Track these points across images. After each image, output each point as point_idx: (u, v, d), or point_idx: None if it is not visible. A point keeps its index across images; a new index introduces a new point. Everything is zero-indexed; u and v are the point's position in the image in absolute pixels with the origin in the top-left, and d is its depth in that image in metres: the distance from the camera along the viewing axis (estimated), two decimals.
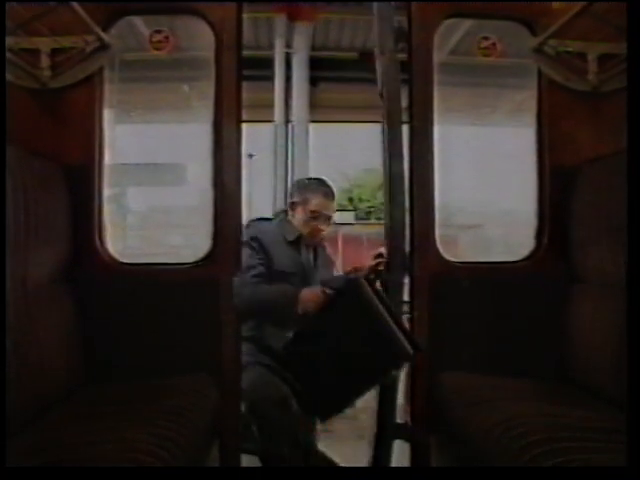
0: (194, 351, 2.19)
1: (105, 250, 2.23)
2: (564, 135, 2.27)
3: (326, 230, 2.66)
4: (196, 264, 2.28)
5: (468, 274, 2.28)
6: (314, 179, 2.78)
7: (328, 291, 2.24)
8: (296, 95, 4.26)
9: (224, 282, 2.20)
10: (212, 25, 2.25)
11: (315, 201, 2.58)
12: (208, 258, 2.25)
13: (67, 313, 2.07)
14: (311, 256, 2.68)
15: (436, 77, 2.27)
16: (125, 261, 2.29)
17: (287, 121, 4.63)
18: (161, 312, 2.20)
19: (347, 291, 2.16)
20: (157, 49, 2.35)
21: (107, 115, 2.32)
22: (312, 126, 4.71)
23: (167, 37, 2.34)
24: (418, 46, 2.21)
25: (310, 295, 2.28)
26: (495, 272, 2.35)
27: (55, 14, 1.95)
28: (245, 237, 2.41)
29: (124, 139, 3.70)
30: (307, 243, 2.64)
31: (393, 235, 2.16)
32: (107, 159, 2.30)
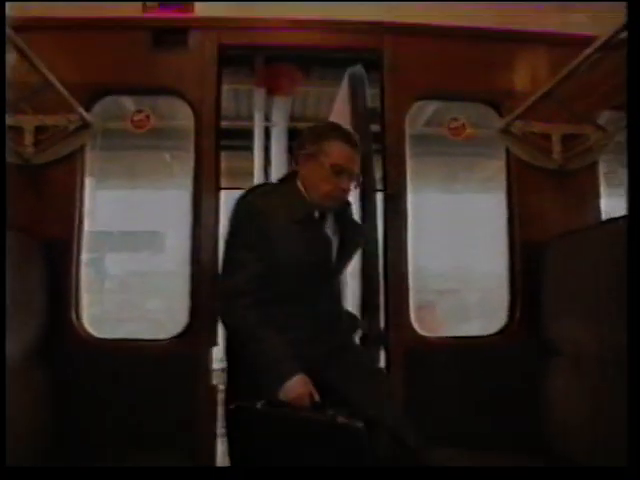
0: (169, 427, 2.16)
1: (81, 325, 2.23)
2: (533, 210, 2.36)
3: (351, 192, 1.92)
4: (173, 339, 2.28)
5: (442, 348, 2.30)
6: (331, 123, 2.09)
7: (317, 398, 1.68)
8: (275, 164, 4.38)
9: (201, 357, 2.21)
10: (192, 105, 2.35)
11: (336, 150, 1.84)
12: (185, 333, 2.26)
13: (41, 389, 2.05)
14: (335, 228, 1.94)
15: (410, 149, 2.37)
16: (100, 336, 2.28)
17: None
18: (137, 387, 2.18)
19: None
20: (138, 127, 2.41)
21: (88, 183, 2.37)
22: None
23: (148, 116, 2.41)
24: (390, 125, 2.31)
25: (295, 392, 1.66)
26: (469, 346, 2.37)
27: (40, 94, 2.02)
28: (237, 216, 1.83)
29: (104, 206, 3.73)
30: (327, 209, 1.90)
31: (369, 314, 2.19)
32: (87, 226, 2.33)
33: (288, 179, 1.94)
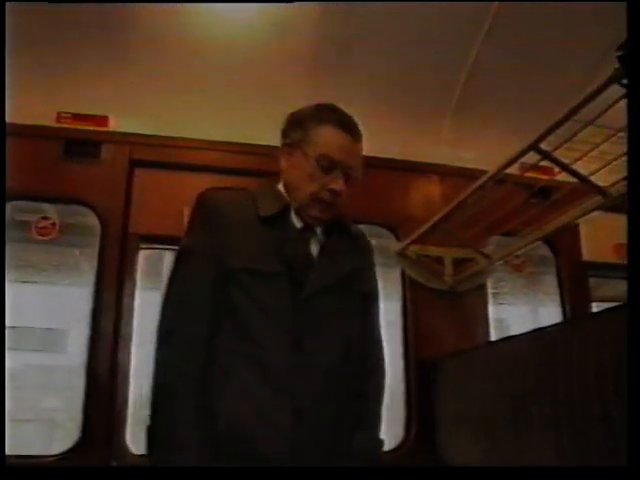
0: None
1: None
2: (426, 329, 2.48)
3: (344, 193, 1.35)
4: (63, 455, 2.17)
5: None
6: (323, 103, 1.42)
7: None
8: None
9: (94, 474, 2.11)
10: (98, 214, 2.38)
11: (326, 137, 1.35)
12: (76, 449, 2.17)
13: None
14: (316, 245, 1.39)
15: None
16: None
17: None
18: None
19: None
20: (41, 235, 2.40)
21: None
22: None
23: (53, 224, 2.41)
24: None
25: None
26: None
27: None
28: (194, 215, 1.39)
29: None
30: (313, 221, 1.38)
31: None
32: None
33: (266, 183, 1.47)
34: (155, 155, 2.48)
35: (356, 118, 1.40)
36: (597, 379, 1.51)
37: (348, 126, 1.36)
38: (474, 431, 2.02)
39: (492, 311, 2.72)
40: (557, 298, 2.90)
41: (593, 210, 1.97)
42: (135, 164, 2.46)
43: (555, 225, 2.10)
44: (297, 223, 1.38)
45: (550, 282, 2.97)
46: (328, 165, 1.32)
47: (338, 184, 1.32)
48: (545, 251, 2.95)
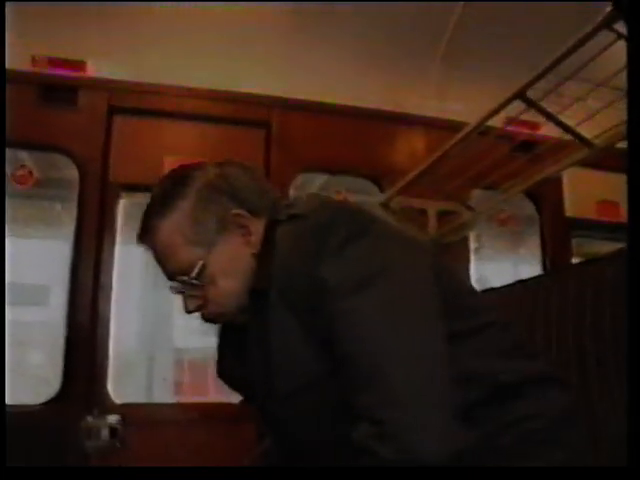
0: None
1: None
2: None
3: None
4: (44, 405, 2.17)
5: None
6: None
7: None
8: None
9: (74, 424, 2.11)
10: (78, 163, 2.33)
11: None
12: (57, 399, 2.16)
13: None
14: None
15: None
16: None
17: None
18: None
19: None
20: (20, 183, 2.35)
21: None
22: None
23: (31, 172, 2.36)
24: None
25: None
26: None
27: None
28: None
29: None
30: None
31: None
32: None
33: None
34: (135, 102, 2.41)
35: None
36: (575, 329, 1.53)
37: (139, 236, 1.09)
38: None
39: (474, 266, 2.73)
40: (539, 255, 2.91)
41: (578, 162, 1.95)
42: (114, 111, 2.40)
43: (539, 177, 2.09)
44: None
45: (533, 239, 2.99)
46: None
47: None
48: (529, 210, 2.96)
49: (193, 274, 1.01)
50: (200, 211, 1.02)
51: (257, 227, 1.04)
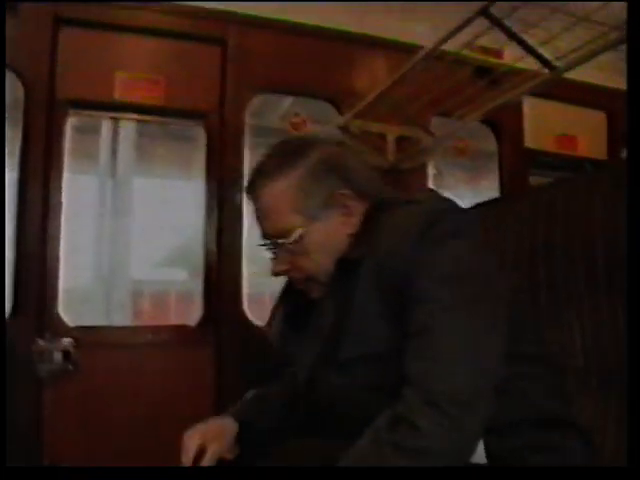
0: None
1: None
2: None
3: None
4: None
5: None
6: None
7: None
8: (122, 147, 4.16)
9: (26, 347, 2.08)
10: (21, 78, 2.20)
11: None
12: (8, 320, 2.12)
13: None
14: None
15: (252, 140, 2.38)
16: None
17: (113, 174, 4.47)
18: None
19: None
20: None
21: None
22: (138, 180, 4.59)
23: None
24: (229, 118, 2.30)
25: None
26: None
27: None
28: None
29: None
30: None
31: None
32: None
33: None
34: (83, 13, 2.26)
35: None
36: (530, 252, 1.55)
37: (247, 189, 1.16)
38: None
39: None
40: (497, 186, 2.93)
41: (538, 86, 1.93)
42: (61, 22, 2.25)
43: (498, 101, 2.07)
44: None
45: (492, 170, 3.00)
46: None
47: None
48: (492, 146, 2.95)
49: (289, 240, 1.07)
50: (311, 183, 1.07)
51: (359, 209, 1.09)
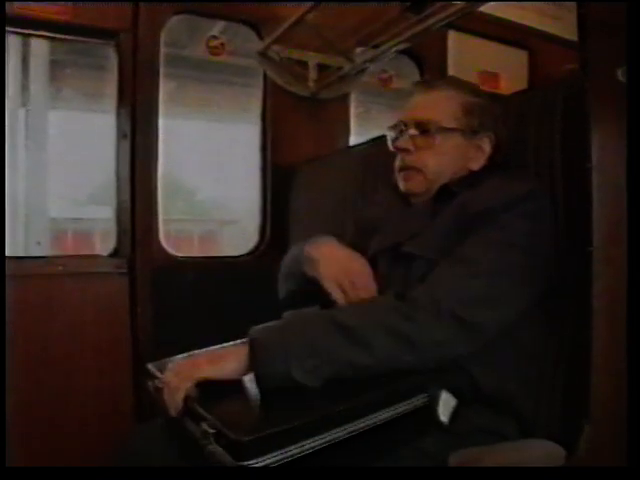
0: None
1: None
2: (285, 135, 2.44)
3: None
4: None
5: (191, 268, 2.31)
6: None
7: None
8: (34, 79, 3.88)
9: None
10: None
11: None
12: None
13: None
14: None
15: (167, 69, 2.28)
16: None
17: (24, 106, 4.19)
18: None
19: None
20: None
21: None
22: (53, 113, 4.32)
23: None
24: (144, 39, 2.18)
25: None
26: (218, 266, 2.41)
27: None
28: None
29: None
30: None
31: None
32: None
33: None
34: None
35: None
36: None
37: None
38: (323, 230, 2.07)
39: (355, 130, 2.71)
40: None
41: (458, 12, 1.92)
42: None
43: (418, 28, 2.05)
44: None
45: None
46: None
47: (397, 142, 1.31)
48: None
49: (433, 131, 1.24)
50: (476, 109, 1.26)
51: (486, 157, 1.27)
